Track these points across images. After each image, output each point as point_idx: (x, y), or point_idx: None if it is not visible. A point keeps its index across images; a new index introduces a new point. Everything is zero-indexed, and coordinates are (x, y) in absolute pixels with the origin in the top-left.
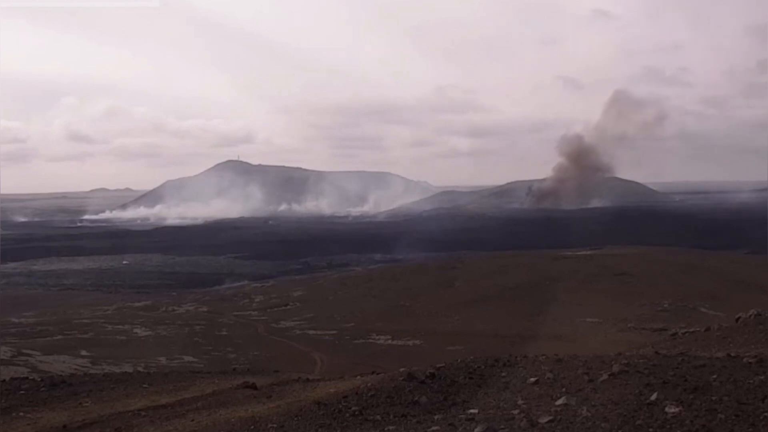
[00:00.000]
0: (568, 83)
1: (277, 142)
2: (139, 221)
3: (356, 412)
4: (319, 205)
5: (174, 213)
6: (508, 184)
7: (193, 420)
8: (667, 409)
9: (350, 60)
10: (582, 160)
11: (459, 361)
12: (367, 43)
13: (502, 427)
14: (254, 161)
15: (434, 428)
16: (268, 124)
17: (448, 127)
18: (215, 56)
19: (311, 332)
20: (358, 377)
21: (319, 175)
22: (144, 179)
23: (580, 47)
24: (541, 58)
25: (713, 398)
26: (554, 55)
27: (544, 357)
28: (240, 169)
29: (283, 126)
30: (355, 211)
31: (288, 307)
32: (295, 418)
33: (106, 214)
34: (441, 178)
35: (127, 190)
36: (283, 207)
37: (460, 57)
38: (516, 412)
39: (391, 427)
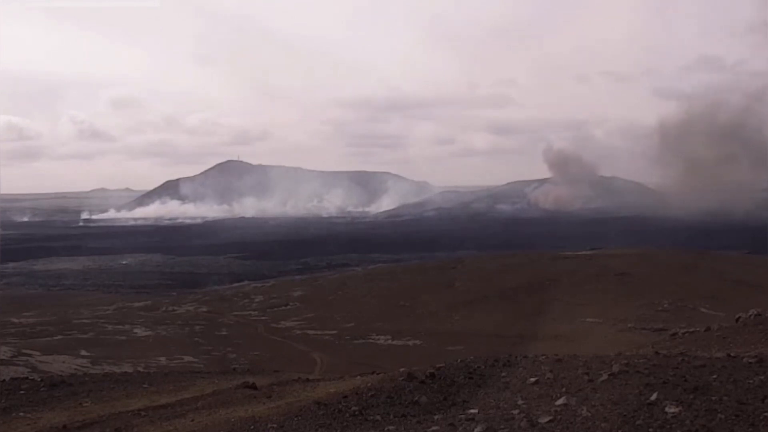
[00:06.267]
0: (609, 77)
1: (279, 141)
2: (139, 221)
3: (356, 412)
4: (319, 205)
5: (174, 213)
6: (507, 184)
7: (193, 420)
8: (667, 409)
9: (362, 56)
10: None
11: (459, 361)
12: (385, 36)
13: (502, 427)
14: (254, 161)
15: (434, 428)
16: (272, 123)
17: (466, 124)
18: (221, 54)
19: (311, 332)
20: (358, 377)
21: (320, 175)
22: (144, 179)
23: (622, 39)
24: (581, 53)
25: (713, 398)
26: (595, 49)
27: (544, 357)
28: (240, 169)
29: (287, 125)
30: (355, 211)
31: (288, 307)
32: (295, 418)
33: (106, 214)
34: (442, 178)
35: (127, 190)
36: (283, 207)
37: (490, 51)
38: (516, 412)
39: (391, 427)
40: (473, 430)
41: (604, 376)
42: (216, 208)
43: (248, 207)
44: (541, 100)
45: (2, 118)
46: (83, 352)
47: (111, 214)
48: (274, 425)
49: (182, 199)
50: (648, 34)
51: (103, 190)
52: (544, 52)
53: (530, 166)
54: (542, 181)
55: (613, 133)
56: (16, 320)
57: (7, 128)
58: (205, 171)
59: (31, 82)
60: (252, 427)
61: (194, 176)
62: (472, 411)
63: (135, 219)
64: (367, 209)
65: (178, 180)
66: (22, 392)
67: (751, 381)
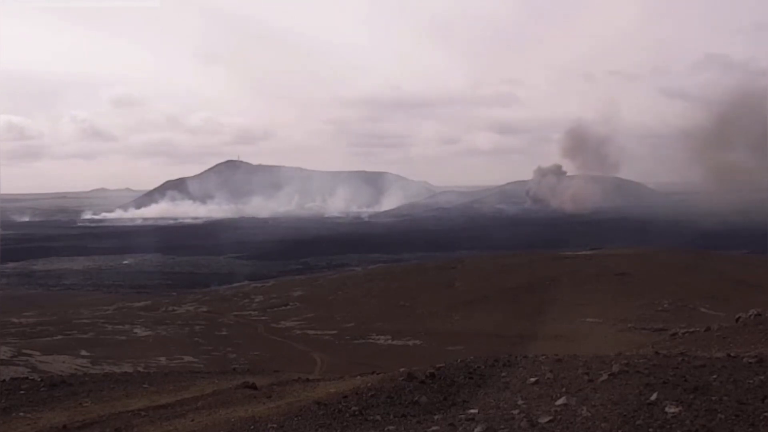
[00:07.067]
0: (616, 76)
1: (281, 141)
2: (139, 221)
3: (356, 412)
4: (319, 205)
5: (174, 213)
6: (508, 184)
7: (193, 420)
8: (667, 409)
9: (365, 54)
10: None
11: (459, 361)
12: (388, 35)
13: (502, 427)
14: (254, 161)
15: (434, 428)
16: (273, 123)
17: (470, 124)
18: (223, 53)
19: (311, 332)
20: (358, 377)
21: (320, 175)
22: (144, 179)
23: (628, 37)
24: (587, 51)
25: (713, 398)
26: (601, 48)
27: (544, 357)
28: (240, 169)
29: (289, 124)
30: (355, 211)
31: (288, 307)
32: (295, 418)
33: (106, 214)
34: (444, 177)
35: (127, 190)
36: (283, 207)
37: (495, 49)
38: (516, 412)
39: (391, 427)
40: (473, 430)
41: (604, 376)
42: (216, 208)
43: (248, 207)
44: (546, 99)
45: (3, 117)
46: (83, 352)
47: (111, 214)
48: (274, 425)
49: (182, 199)
50: (655, 33)
51: (103, 190)
52: (550, 51)
53: (534, 166)
54: (547, 171)
55: (618, 133)
56: (16, 320)
57: (7, 128)
58: (205, 171)
59: (33, 82)
60: (252, 427)
61: (194, 176)
62: (472, 411)
63: (132, 219)
64: (368, 209)
65: (177, 180)
66: (22, 392)
67: (751, 381)
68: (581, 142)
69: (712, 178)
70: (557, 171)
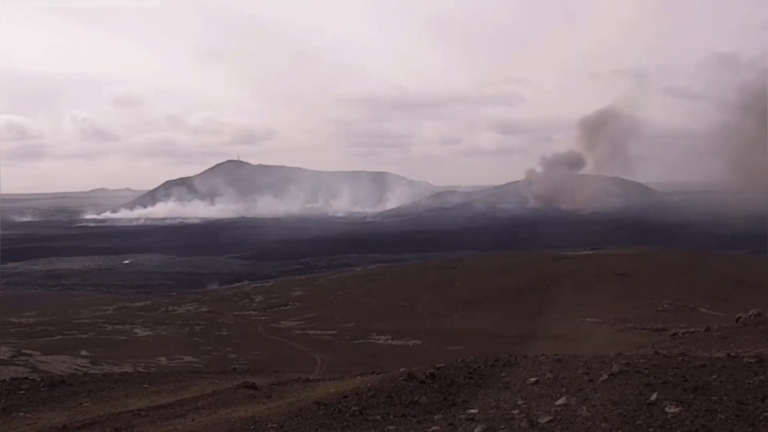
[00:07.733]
0: (619, 75)
1: (282, 141)
2: (139, 221)
3: (356, 412)
4: (321, 205)
5: (174, 213)
6: (507, 184)
7: (193, 420)
8: (667, 409)
9: (367, 54)
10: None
11: (459, 361)
12: (391, 35)
13: (502, 427)
14: (255, 161)
15: (434, 428)
16: (274, 123)
17: (473, 123)
18: (224, 53)
19: (311, 332)
20: (358, 377)
21: (320, 176)
22: (144, 179)
23: (633, 36)
24: (592, 50)
25: (713, 398)
26: (607, 46)
27: (544, 357)
28: (240, 170)
29: (290, 124)
30: (355, 211)
31: (288, 307)
32: (295, 418)
33: (107, 214)
34: (445, 177)
35: (127, 190)
36: (282, 207)
37: (498, 49)
38: (516, 412)
39: (391, 427)
40: (473, 430)
41: (604, 376)
42: (216, 208)
43: (248, 207)
44: (549, 98)
45: (3, 117)
46: (83, 352)
47: (111, 214)
48: (274, 425)
49: (182, 199)
50: (658, 32)
51: (103, 190)
52: (553, 50)
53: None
54: (557, 161)
55: (622, 133)
56: (16, 320)
57: (8, 128)
58: (205, 171)
59: (34, 81)
60: (252, 427)
61: (194, 176)
62: (472, 411)
63: (135, 219)
64: (371, 209)
65: (177, 180)
66: (22, 392)
67: (751, 381)
68: (601, 131)
69: (737, 179)
70: (574, 161)
